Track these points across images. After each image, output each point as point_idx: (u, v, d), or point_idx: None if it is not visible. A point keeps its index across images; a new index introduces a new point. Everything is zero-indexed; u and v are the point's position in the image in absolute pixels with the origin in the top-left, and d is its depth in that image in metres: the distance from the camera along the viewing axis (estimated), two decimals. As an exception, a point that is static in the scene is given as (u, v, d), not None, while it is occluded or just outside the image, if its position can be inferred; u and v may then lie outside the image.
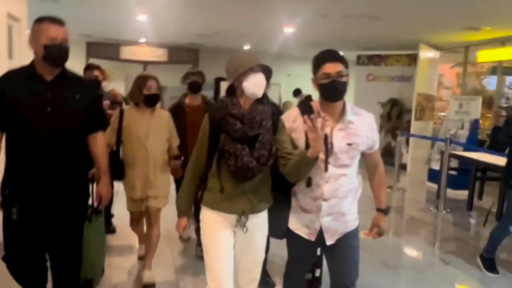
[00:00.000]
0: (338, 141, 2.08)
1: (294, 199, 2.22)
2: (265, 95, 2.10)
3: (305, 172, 2.03)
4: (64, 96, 2.22)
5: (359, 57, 10.44)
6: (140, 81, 3.18)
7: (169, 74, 7.73)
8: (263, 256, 2.23)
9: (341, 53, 2.13)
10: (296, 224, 2.22)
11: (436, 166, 7.16)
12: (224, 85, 3.13)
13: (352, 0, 5.89)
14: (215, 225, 2.10)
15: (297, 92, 9.10)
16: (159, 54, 11.90)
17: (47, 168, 2.21)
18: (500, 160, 5.11)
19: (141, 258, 3.66)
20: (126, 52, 11.65)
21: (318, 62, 2.07)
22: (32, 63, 2.22)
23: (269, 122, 2.05)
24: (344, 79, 2.03)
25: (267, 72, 2.05)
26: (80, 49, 10.84)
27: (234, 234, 2.12)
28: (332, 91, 2.04)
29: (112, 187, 2.82)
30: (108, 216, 4.28)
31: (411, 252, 4.57)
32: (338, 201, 2.14)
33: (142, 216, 3.44)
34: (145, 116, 3.20)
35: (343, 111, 2.12)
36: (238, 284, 2.17)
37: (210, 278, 2.09)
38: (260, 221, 2.16)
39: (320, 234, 2.18)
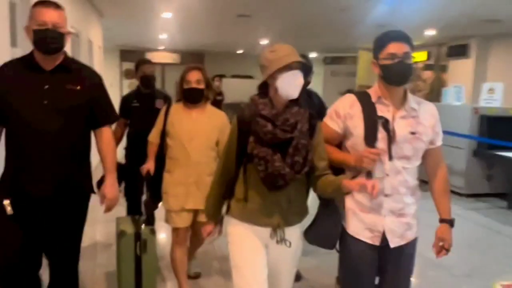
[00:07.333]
0: (401, 129, 1.87)
1: (350, 200, 1.96)
2: (307, 93, 1.90)
3: (331, 196, 1.92)
4: (63, 88, 2.03)
5: (325, 58, 13.78)
6: (182, 74, 2.78)
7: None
8: (296, 268, 2.07)
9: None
10: (355, 227, 1.94)
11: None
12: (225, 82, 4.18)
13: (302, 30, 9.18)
14: (244, 239, 1.90)
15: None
16: (174, 58, 15.42)
17: (45, 163, 2.02)
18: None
19: None
20: (149, 57, 14.16)
21: (382, 41, 1.85)
22: (32, 52, 2.03)
23: (305, 125, 1.82)
24: (410, 61, 1.82)
25: (306, 70, 1.81)
26: (115, 54, 14.68)
27: (266, 248, 1.90)
28: (398, 73, 1.83)
29: (160, 198, 2.71)
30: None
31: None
32: (400, 197, 1.91)
33: (186, 234, 2.90)
34: (191, 115, 2.77)
35: (405, 97, 1.91)
36: None
37: None
38: (294, 233, 1.95)
39: (384, 238, 1.92)
